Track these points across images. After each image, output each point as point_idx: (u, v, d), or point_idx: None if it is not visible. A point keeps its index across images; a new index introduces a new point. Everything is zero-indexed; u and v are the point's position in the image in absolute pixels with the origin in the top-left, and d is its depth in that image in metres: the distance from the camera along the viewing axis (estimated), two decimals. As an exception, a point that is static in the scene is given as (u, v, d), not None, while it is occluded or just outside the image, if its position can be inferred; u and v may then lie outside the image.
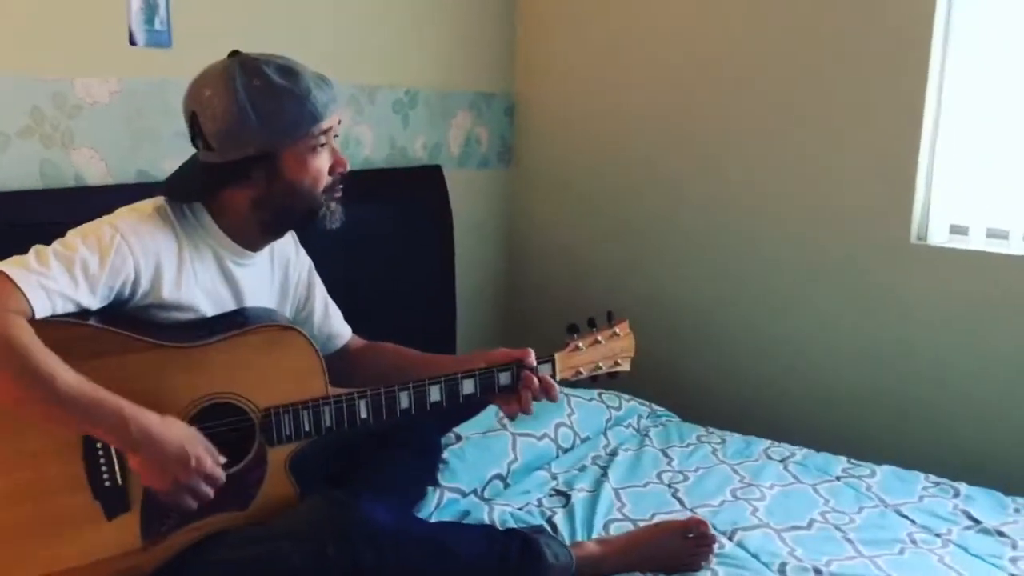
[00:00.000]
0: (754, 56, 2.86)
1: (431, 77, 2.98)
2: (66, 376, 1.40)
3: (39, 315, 1.43)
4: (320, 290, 1.97)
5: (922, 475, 2.31)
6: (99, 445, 1.52)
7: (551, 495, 2.15)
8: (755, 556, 1.89)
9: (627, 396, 2.68)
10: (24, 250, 1.49)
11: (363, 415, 1.69)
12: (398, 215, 2.78)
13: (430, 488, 2.03)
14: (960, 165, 2.64)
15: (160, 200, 1.68)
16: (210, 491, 1.53)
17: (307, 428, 1.66)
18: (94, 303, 1.51)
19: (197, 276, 1.66)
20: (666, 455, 2.39)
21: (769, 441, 2.50)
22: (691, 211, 3.05)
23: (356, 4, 2.70)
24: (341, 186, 1.74)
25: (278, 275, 1.86)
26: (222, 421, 1.61)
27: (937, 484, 2.26)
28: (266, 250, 1.79)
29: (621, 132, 3.14)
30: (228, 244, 1.71)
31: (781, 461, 2.37)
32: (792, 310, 2.91)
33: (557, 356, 1.82)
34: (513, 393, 1.77)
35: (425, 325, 2.85)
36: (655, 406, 2.72)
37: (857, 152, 2.74)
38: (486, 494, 2.12)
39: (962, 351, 2.66)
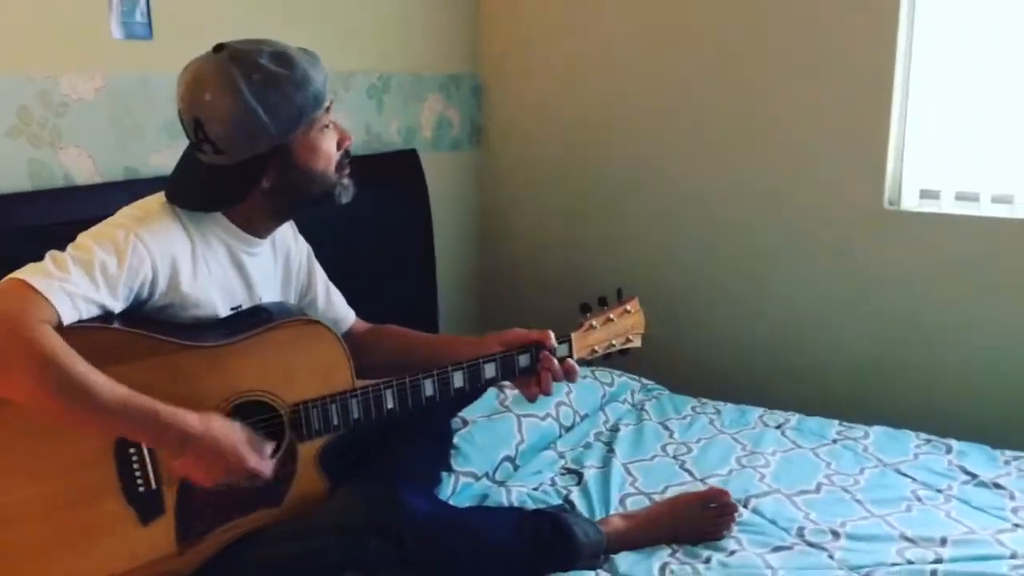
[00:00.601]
0: (722, 28, 2.89)
1: (402, 61, 2.96)
2: (101, 384, 1.37)
3: (67, 322, 1.39)
4: (321, 275, 1.95)
5: (912, 433, 2.38)
6: (132, 450, 1.49)
7: (562, 474, 2.17)
8: (773, 522, 1.93)
9: (618, 372, 2.70)
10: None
11: (390, 405, 1.68)
12: (376, 201, 2.75)
13: (444, 473, 2.04)
14: (929, 130, 2.71)
15: (163, 196, 1.64)
16: (259, 482, 1.53)
17: (336, 421, 1.64)
18: (116, 305, 1.47)
19: (210, 269, 1.63)
20: (666, 428, 2.43)
21: (762, 409, 2.54)
22: (662, 186, 3.08)
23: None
24: (348, 159, 1.72)
25: (280, 262, 1.83)
26: (252, 419, 1.58)
27: (928, 441, 2.33)
28: (268, 238, 1.77)
29: (587, 110, 3.16)
30: (237, 234, 1.68)
31: (777, 427, 2.42)
32: (769, 278, 2.97)
33: (573, 336, 1.82)
34: (532, 375, 1.77)
35: (407, 308, 2.83)
36: (644, 380, 2.75)
37: (828, 120, 2.79)
38: (498, 476, 2.13)
39: (936, 312, 2.74)
